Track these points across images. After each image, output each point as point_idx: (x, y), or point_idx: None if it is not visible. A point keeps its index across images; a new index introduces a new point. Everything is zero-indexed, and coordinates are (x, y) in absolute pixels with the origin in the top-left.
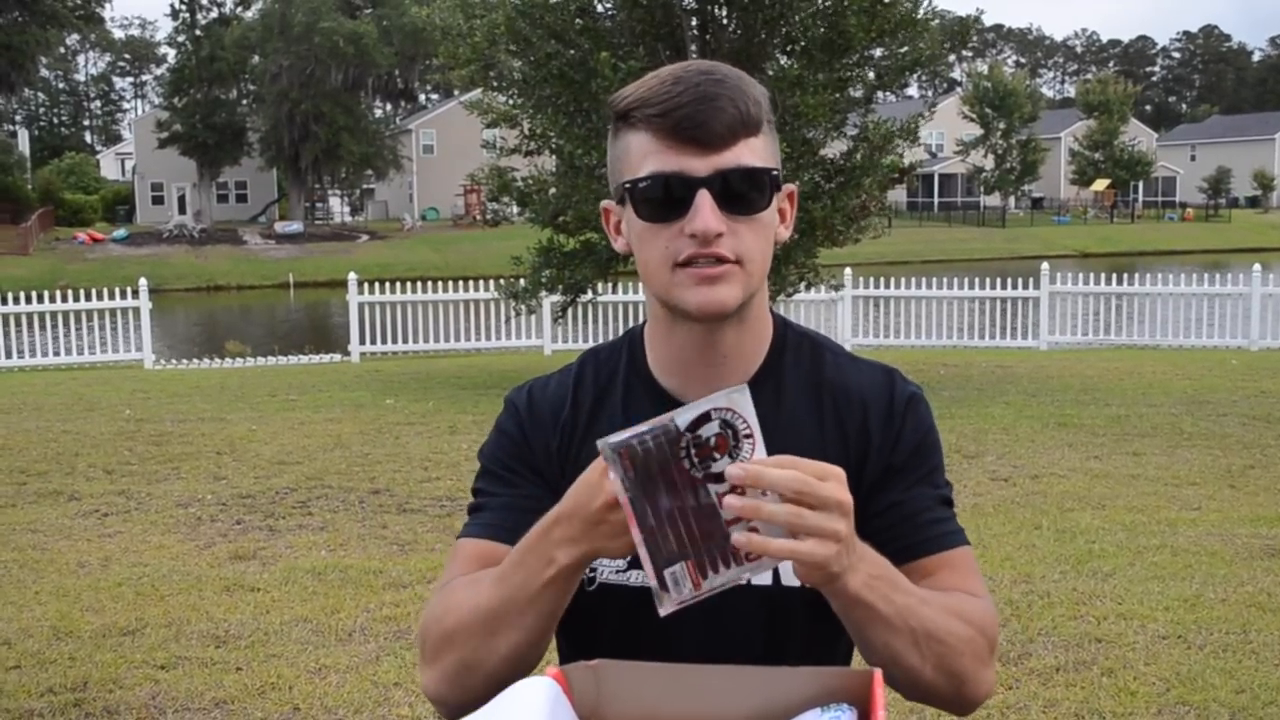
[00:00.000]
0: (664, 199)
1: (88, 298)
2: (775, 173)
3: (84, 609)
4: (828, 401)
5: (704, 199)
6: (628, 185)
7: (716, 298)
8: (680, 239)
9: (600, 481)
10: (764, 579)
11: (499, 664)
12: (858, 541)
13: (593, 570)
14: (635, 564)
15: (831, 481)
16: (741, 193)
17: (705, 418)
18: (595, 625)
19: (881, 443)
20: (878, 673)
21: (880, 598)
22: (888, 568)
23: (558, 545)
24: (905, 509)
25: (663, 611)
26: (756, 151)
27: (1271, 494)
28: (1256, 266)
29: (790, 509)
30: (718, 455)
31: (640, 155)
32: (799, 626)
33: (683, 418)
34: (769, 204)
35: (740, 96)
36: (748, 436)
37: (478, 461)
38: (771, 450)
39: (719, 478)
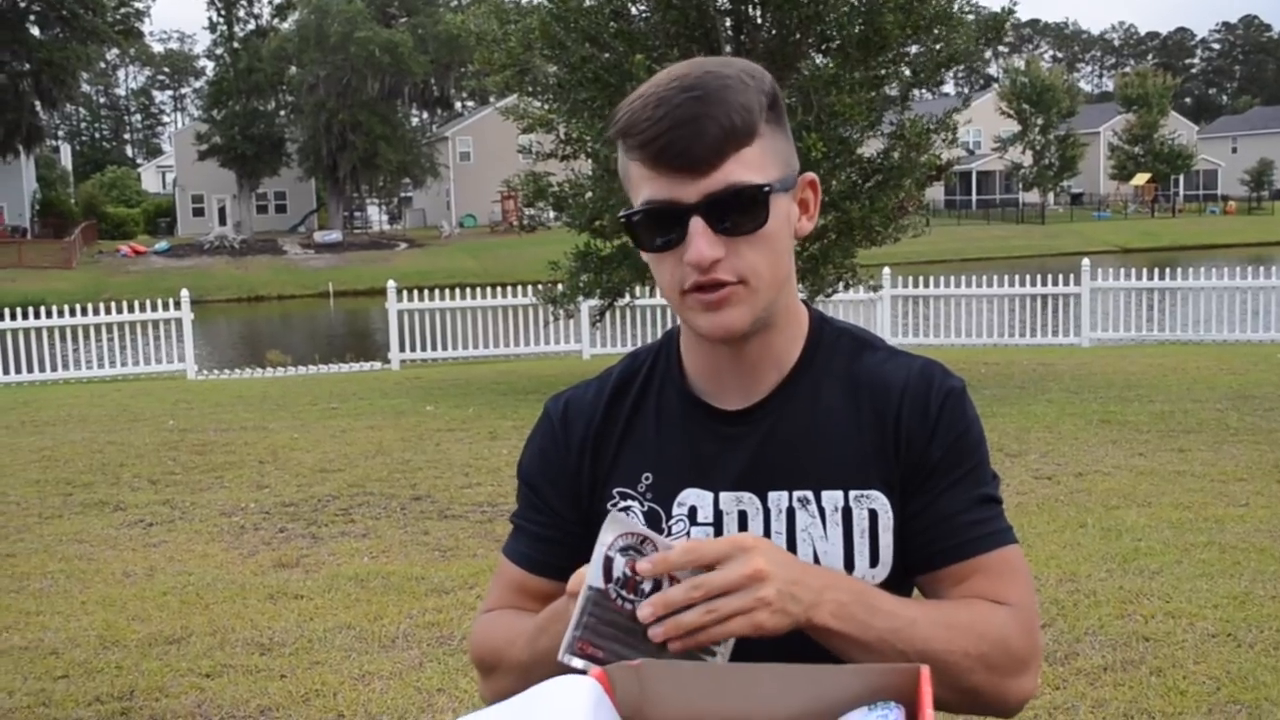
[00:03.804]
0: (658, 229)
1: (131, 310)
2: (768, 187)
3: (130, 618)
4: (865, 395)
5: (696, 226)
6: (623, 219)
7: (724, 322)
8: (683, 266)
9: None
10: None
11: None
12: (815, 574)
13: None
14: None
15: (733, 560)
16: (735, 213)
17: (609, 561)
18: None
19: (917, 436)
20: (925, 669)
21: (856, 625)
22: (864, 592)
23: None
24: (939, 512)
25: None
26: (750, 163)
27: None
28: None
29: (700, 611)
30: (640, 578)
31: (636, 182)
32: None
33: (594, 577)
34: (767, 218)
35: (724, 109)
36: (645, 541)
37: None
38: (811, 445)
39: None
